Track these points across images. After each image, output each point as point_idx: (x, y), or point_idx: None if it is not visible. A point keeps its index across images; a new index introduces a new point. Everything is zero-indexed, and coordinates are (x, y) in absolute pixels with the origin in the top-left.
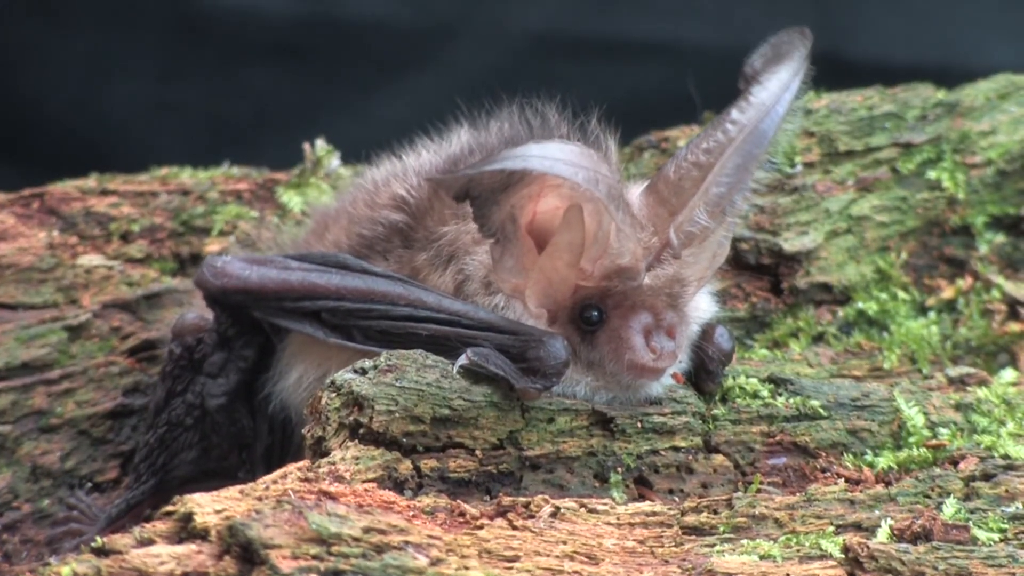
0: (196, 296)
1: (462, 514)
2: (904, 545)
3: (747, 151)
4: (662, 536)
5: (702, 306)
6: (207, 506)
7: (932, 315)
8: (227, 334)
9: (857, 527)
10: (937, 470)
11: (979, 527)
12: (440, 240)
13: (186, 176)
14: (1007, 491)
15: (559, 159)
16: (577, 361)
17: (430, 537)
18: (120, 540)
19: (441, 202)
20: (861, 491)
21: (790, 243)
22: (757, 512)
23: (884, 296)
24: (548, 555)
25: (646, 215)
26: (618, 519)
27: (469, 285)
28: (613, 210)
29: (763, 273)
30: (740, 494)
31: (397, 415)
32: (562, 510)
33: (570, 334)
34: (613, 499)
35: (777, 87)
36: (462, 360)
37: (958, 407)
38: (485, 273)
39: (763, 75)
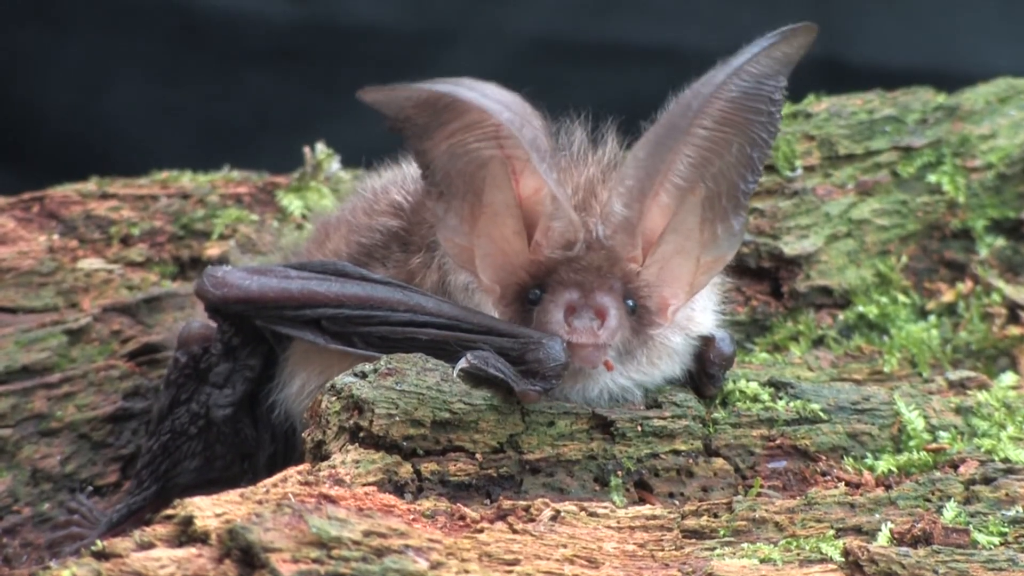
0: (197, 301)
1: (462, 517)
2: (904, 549)
3: (656, 140)
4: (662, 540)
5: (696, 318)
6: (207, 509)
7: (932, 319)
8: (231, 344)
9: (857, 531)
10: (937, 474)
11: (979, 531)
12: (429, 228)
13: (186, 180)
14: (1007, 495)
15: (490, 96)
16: None
17: (430, 540)
18: (120, 544)
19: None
20: (861, 495)
21: (790, 247)
22: (757, 516)
23: (884, 300)
24: (548, 558)
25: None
26: (618, 523)
27: (447, 262)
28: (537, 160)
29: (763, 277)
30: (740, 498)
31: (397, 418)
32: (562, 513)
33: (514, 314)
34: (613, 502)
35: (707, 79)
36: (462, 363)
37: (958, 411)
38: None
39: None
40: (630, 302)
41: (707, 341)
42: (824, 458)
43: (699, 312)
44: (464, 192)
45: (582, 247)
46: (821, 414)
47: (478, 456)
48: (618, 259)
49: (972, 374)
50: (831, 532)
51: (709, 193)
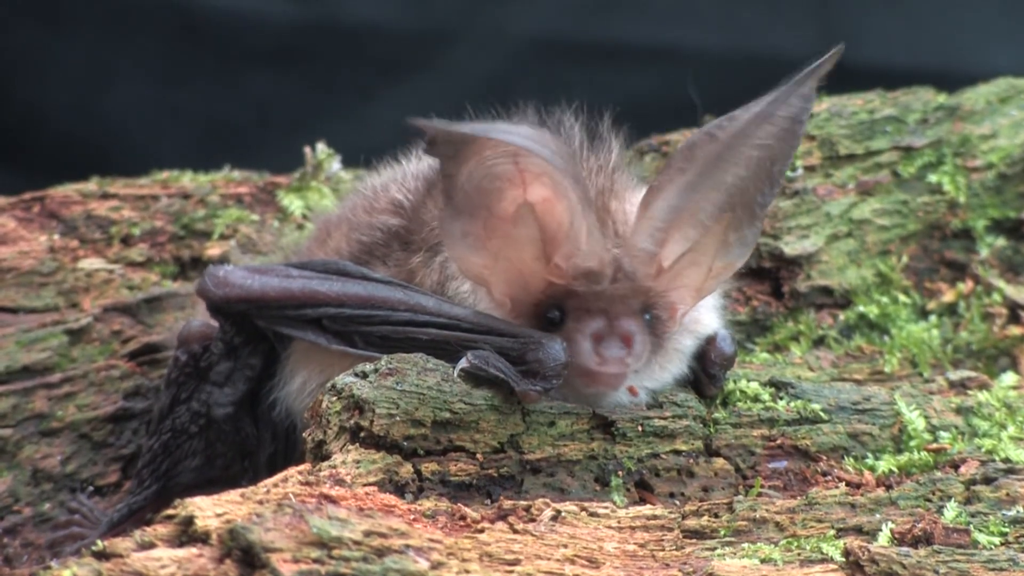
0: (198, 301)
1: (463, 517)
2: (905, 549)
3: (691, 183)
4: (663, 540)
5: (703, 320)
6: (208, 509)
7: (933, 319)
8: (233, 343)
9: (858, 531)
10: (938, 474)
11: (980, 531)
12: (431, 228)
13: (187, 180)
14: (1008, 495)
15: (549, 148)
16: None
17: (431, 540)
18: (121, 543)
19: (433, 197)
20: (862, 495)
21: (791, 247)
22: (758, 516)
23: (885, 300)
24: (549, 558)
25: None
26: (619, 522)
27: (449, 267)
28: (582, 208)
29: (764, 277)
30: (741, 497)
31: (398, 418)
32: (563, 513)
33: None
34: (614, 502)
35: (745, 118)
36: (462, 363)
37: (959, 411)
38: None
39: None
40: (647, 315)
41: (709, 340)
42: (825, 458)
43: (704, 313)
44: (479, 207)
45: (608, 280)
46: (822, 414)
47: (479, 456)
48: (642, 288)
49: (973, 374)
50: (832, 532)
51: (727, 207)
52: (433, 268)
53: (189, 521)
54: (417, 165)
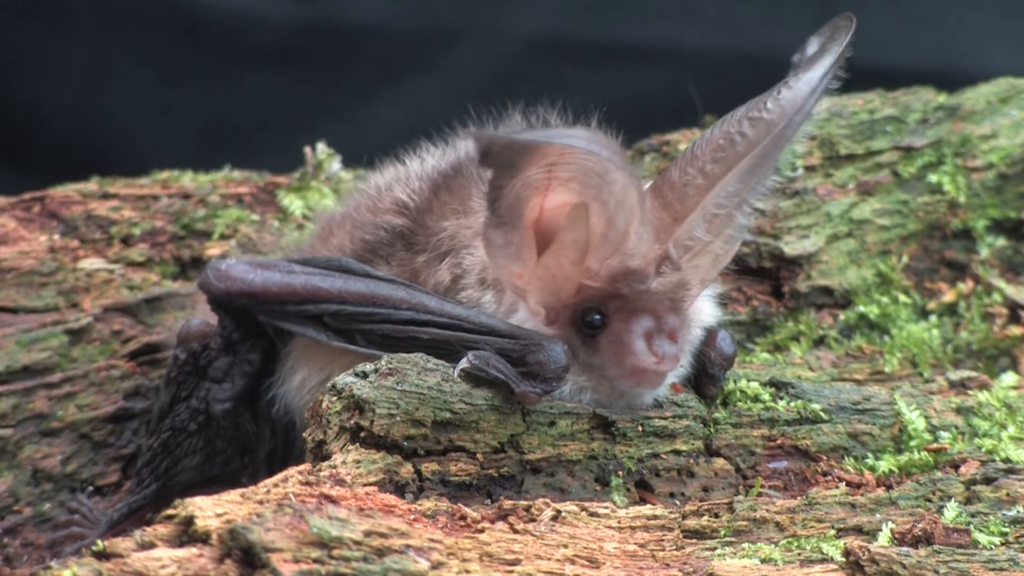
0: (198, 300)
1: (463, 517)
2: (905, 549)
3: (753, 165)
4: (663, 540)
5: (704, 310)
6: (208, 509)
7: (933, 319)
8: (232, 338)
9: (858, 531)
10: (938, 474)
11: (980, 531)
12: (439, 235)
13: (187, 179)
14: (1008, 495)
15: (608, 148)
16: (575, 364)
17: (431, 540)
18: (121, 544)
19: (440, 200)
20: (862, 495)
21: (791, 247)
22: (758, 516)
23: (885, 300)
24: (549, 558)
25: (651, 219)
26: (619, 523)
27: (465, 279)
28: (639, 208)
29: (764, 277)
30: (741, 498)
31: (398, 418)
32: (563, 513)
33: (569, 336)
34: (614, 503)
35: (794, 97)
36: (463, 364)
37: (959, 411)
38: (482, 268)
39: (792, 78)
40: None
41: (709, 340)
42: (825, 458)
43: (705, 303)
44: (520, 217)
45: (653, 277)
46: (822, 414)
47: (479, 456)
48: (685, 281)
49: (973, 374)
50: (832, 532)
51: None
52: (442, 272)
53: (189, 521)
54: (421, 166)
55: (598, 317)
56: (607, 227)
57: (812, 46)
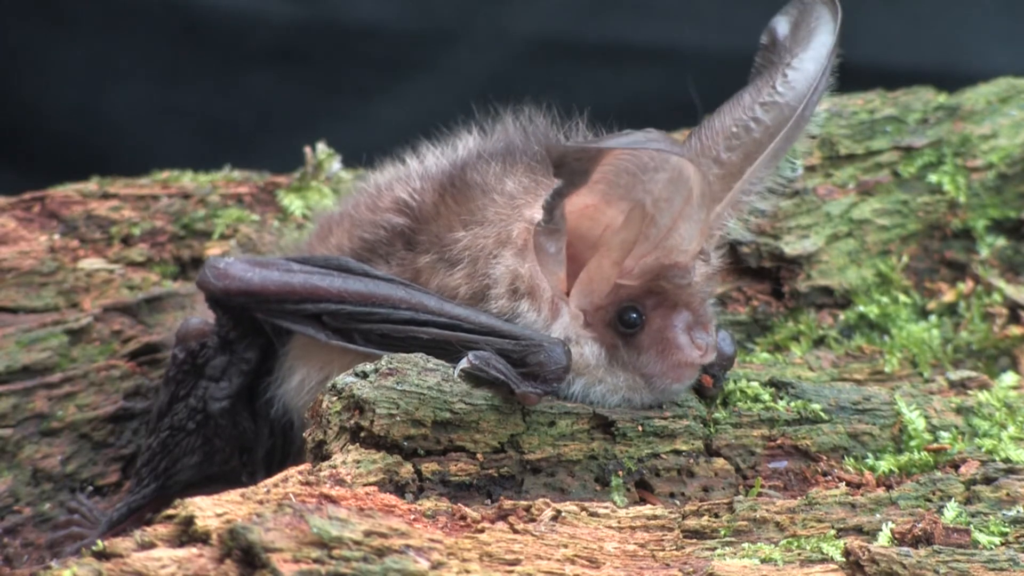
0: (198, 300)
1: (463, 517)
2: (905, 548)
3: (777, 149)
4: (663, 540)
5: None
6: (208, 510)
7: (933, 319)
8: (229, 337)
9: (858, 531)
10: (938, 474)
11: (980, 531)
12: (451, 245)
13: (187, 179)
14: (1008, 495)
15: (679, 149)
16: (614, 365)
17: (431, 540)
18: (121, 543)
19: (447, 207)
20: (862, 495)
21: (791, 246)
22: (758, 516)
23: (885, 300)
24: (549, 558)
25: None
26: (619, 522)
27: (494, 289)
28: (698, 207)
29: (764, 277)
30: (741, 497)
31: (398, 418)
32: (563, 513)
33: (608, 337)
34: (614, 502)
35: (804, 76)
36: (463, 364)
37: (959, 411)
38: (513, 278)
39: (794, 63)
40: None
41: None
42: (825, 458)
43: None
44: (565, 222)
45: (693, 274)
46: (822, 414)
47: (479, 456)
48: (715, 274)
49: (973, 374)
50: (832, 532)
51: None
52: (455, 280)
53: (189, 521)
54: (421, 165)
55: (635, 315)
56: (650, 226)
57: (782, 25)
